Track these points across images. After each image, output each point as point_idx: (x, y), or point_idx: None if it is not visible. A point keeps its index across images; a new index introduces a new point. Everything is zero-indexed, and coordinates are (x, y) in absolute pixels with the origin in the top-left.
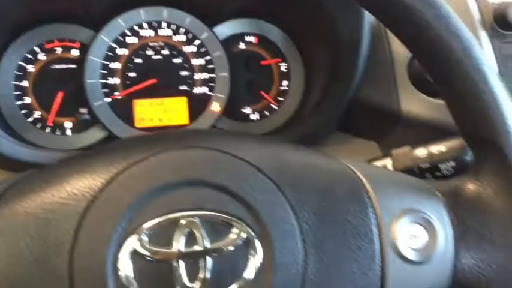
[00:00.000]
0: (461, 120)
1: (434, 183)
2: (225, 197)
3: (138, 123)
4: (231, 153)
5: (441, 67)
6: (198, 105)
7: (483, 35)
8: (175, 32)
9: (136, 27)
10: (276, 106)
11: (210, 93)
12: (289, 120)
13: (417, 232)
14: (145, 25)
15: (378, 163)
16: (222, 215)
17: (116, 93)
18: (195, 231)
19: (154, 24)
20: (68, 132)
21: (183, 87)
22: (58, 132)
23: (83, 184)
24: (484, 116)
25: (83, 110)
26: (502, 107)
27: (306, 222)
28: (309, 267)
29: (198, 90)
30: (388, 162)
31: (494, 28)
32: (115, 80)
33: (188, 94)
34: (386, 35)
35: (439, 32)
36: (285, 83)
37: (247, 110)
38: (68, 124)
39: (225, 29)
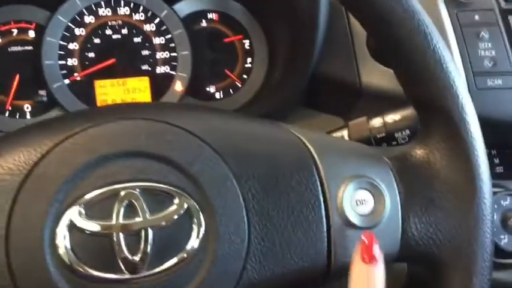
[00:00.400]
0: (407, 86)
1: (383, 150)
2: (165, 167)
3: (101, 104)
4: (172, 123)
5: (385, 33)
6: (160, 84)
7: (440, 2)
8: (134, 11)
9: (93, 6)
10: (240, 84)
11: (173, 73)
12: (253, 97)
13: (364, 198)
14: (103, 4)
15: (335, 134)
16: (163, 185)
17: (75, 74)
18: (135, 202)
19: (112, 2)
20: (28, 115)
21: (145, 67)
22: (17, 116)
23: (18, 159)
24: (429, 80)
25: (42, 92)
26: (447, 70)
27: (250, 191)
28: (254, 237)
29: (160, 69)
30: (345, 133)
31: None
32: (73, 61)
33: (150, 74)
34: (345, 9)
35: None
36: (248, 60)
37: (211, 89)
38: (27, 107)
39: (185, 6)
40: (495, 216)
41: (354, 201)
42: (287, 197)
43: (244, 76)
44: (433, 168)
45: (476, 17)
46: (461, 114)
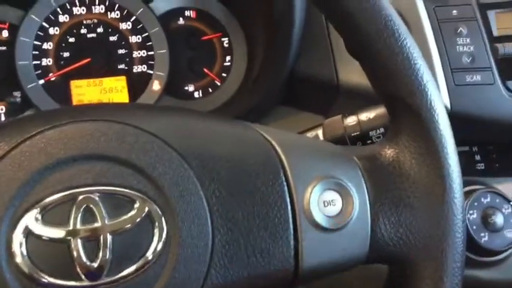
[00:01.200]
0: (376, 83)
1: (353, 149)
2: (125, 170)
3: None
4: (132, 125)
5: (352, 29)
6: (138, 84)
7: None
8: (109, 9)
9: (68, 5)
10: (220, 82)
11: (150, 72)
12: (233, 96)
13: (332, 199)
14: (77, 2)
15: (310, 133)
16: (123, 189)
17: (49, 75)
18: (93, 207)
19: (87, 1)
20: (2, 116)
21: (121, 66)
22: None
23: None
24: (397, 77)
25: (16, 93)
26: (415, 66)
27: (214, 193)
28: (218, 240)
29: (137, 68)
30: (319, 132)
31: None
32: (48, 61)
33: (127, 73)
34: None
35: None
36: (227, 58)
37: (190, 88)
38: (1, 109)
39: (161, 4)
40: (475, 214)
41: (322, 203)
42: (252, 198)
43: (224, 74)
44: (402, 168)
45: (454, 12)
46: (430, 112)
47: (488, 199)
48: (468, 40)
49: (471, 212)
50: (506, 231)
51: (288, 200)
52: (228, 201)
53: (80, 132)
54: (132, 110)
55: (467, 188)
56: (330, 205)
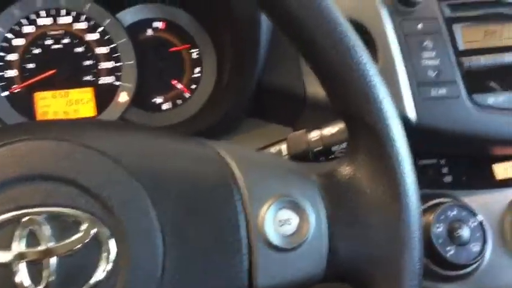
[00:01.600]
0: (333, 100)
1: (312, 166)
2: (73, 190)
3: (41, 117)
4: (83, 143)
5: (310, 46)
6: (105, 95)
7: (383, 11)
8: (76, 20)
9: (33, 16)
10: (189, 94)
11: (117, 83)
12: (202, 108)
13: (287, 217)
14: (42, 13)
15: (274, 148)
16: (70, 210)
17: (14, 86)
18: (37, 229)
19: (53, 11)
20: None
21: (88, 78)
22: None
23: None
24: (353, 94)
25: None
26: (371, 84)
27: (166, 212)
28: (169, 260)
29: (103, 80)
30: (283, 147)
31: (395, 5)
32: (12, 73)
33: (94, 84)
34: None
35: (305, 11)
36: (197, 70)
37: (158, 100)
38: None
39: (129, 15)
40: (441, 228)
41: (277, 222)
42: (206, 217)
43: (193, 86)
44: (359, 185)
45: (420, 26)
46: (386, 130)
47: (455, 212)
48: (434, 54)
49: (437, 225)
50: (472, 245)
51: (242, 218)
52: (181, 220)
53: (27, 152)
54: (84, 128)
55: (434, 201)
56: (286, 224)
